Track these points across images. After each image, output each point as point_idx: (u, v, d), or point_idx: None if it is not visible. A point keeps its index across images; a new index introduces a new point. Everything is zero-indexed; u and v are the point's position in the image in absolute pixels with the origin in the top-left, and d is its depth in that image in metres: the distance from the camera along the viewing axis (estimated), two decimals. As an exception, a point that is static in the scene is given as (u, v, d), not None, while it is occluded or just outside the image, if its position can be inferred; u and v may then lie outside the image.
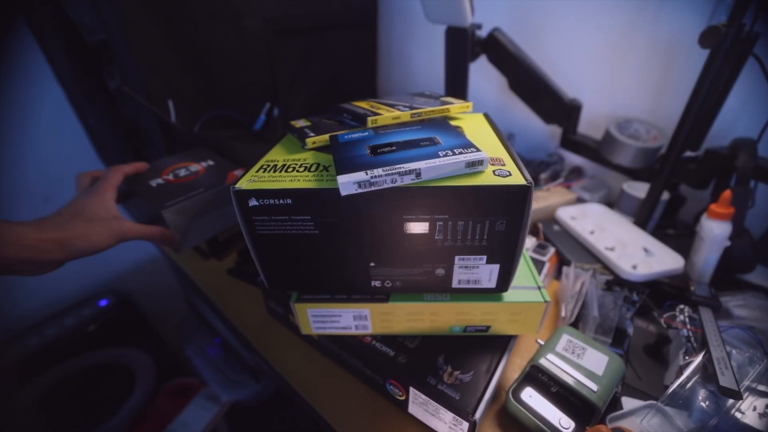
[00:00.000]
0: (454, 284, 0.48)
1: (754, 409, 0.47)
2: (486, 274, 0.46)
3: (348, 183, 0.37)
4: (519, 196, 0.39)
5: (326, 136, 0.50)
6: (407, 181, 0.38)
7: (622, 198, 0.90)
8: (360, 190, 0.38)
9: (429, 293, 0.51)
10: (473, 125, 0.56)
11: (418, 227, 0.42)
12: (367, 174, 0.37)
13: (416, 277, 0.47)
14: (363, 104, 0.59)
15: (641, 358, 0.61)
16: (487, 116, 0.60)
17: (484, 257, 0.44)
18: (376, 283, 0.48)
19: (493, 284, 0.47)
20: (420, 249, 0.44)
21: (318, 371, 0.62)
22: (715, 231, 0.66)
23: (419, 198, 0.40)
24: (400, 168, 0.38)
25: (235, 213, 0.42)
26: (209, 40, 0.86)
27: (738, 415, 0.47)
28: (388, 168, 0.38)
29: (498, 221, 0.41)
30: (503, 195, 0.39)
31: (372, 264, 0.46)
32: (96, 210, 0.51)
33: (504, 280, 0.47)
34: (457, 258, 0.45)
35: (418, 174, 0.38)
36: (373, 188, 0.38)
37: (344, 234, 0.43)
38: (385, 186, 0.38)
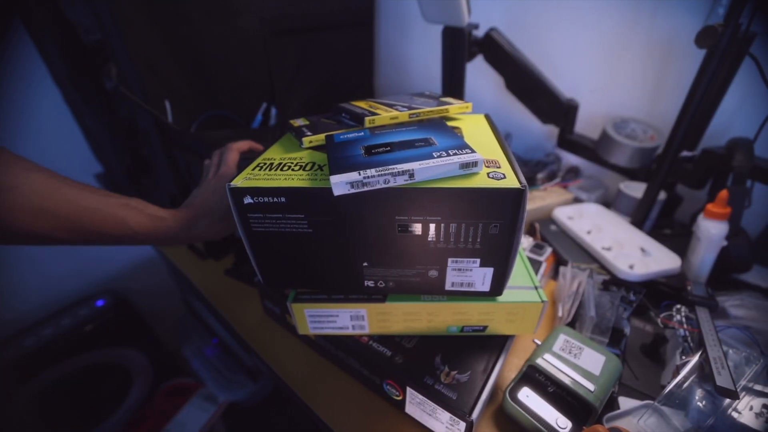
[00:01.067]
0: (447, 286, 0.48)
1: (751, 408, 0.47)
2: (479, 277, 0.46)
3: (340, 183, 0.37)
4: (513, 199, 0.39)
5: (323, 136, 0.50)
6: (400, 181, 0.38)
7: (619, 198, 0.90)
8: (352, 191, 0.38)
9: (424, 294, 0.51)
10: (473, 126, 0.56)
11: (410, 228, 0.42)
12: (359, 174, 0.37)
13: (409, 278, 0.47)
14: (362, 104, 0.59)
15: (638, 358, 0.62)
16: (487, 117, 0.60)
17: (478, 260, 0.44)
18: (369, 283, 0.48)
19: (486, 288, 0.47)
20: (413, 250, 0.44)
21: (315, 371, 0.61)
22: (711, 231, 0.66)
23: (412, 199, 0.40)
24: (393, 169, 0.37)
25: None
26: (206, 40, 0.86)
27: (735, 414, 0.47)
28: (381, 168, 0.37)
29: (491, 224, 0.41)
30: (497, 198, 0.39)
31: (365, 264, 0.46)
32: (224, 207, 0.53)
33: (498, 284, 0.47)
34: (450, 260, 0.45)
35: (411, 175, 0.38)
36: (365, 189, 0.38)
37: (337, 233, 0.43)
38: (378, 186, 0.38)
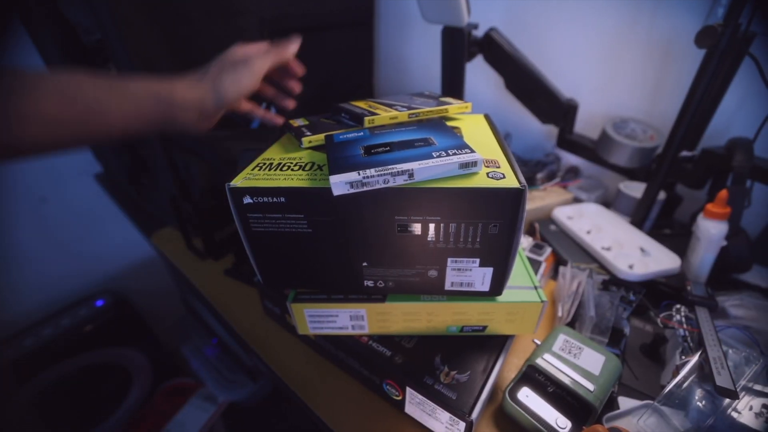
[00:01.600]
0: (447, 286, 0.48)
1: (751, 408, 0.47)
2: (479, 277, 0.46)
3: (340, 183, 0.37)
4: (512, 199, 0.39)
5: (322, 136, 0.50)
6: (400, 181, 0.38)
7: (619, 198, 0.90)
8: (352, 191, 0.38)
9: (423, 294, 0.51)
10: (472, 126, 0.56)
11: (410, 228, 0.42)
12: (359, 174, 0.37)
13: (409, 278, 0.47)
14: (361, 104, 0.59)
15: (638, 358, 0.62)
16: (487, 117, 0.60)
17: (477, 260, 0.44)
18: (369, 283, 0.48)
19: (486, 287, 0.47)
20: (412, 250, 0.44)
21: (315, 371, 0.62)
22: (711, 231, 0.66)
23: (411, 199, 0.40)
24: (393, 169, 0.37)
25: None
26: (206, 39, 0.86)
27: (734, 414, 0.47)
28: (380, 168, 0.37)
29: (491, 224, 0.41)
30: (496, 198, 0.39)
31: (364, 264, 0.46)
32: (230, 95, 0.51)
33: (497, 284, 0.47)
34: (449, 260, 0.45)
35: (411, 174, 0.38)
36: (365, 189, 0.38)
37: (337, 233, 0.43)
38: (378, 186, 0.38)
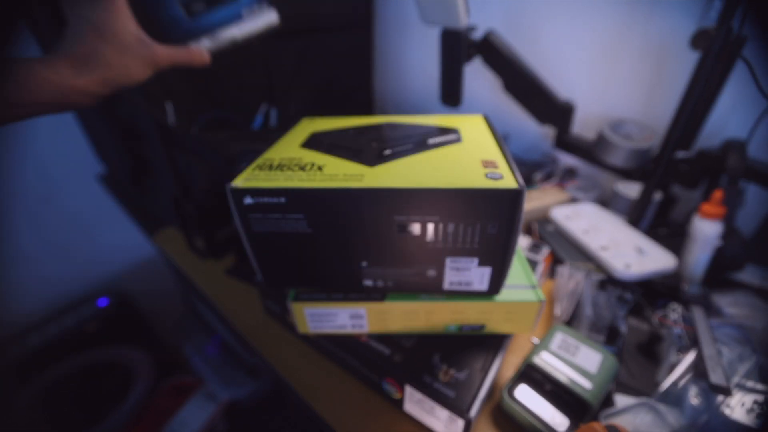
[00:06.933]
0: (446, 286, 0.48)
1: (743, 405, 0.48)
2: (478, 276, 0.47)
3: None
4: (511, 200, 0.39)
5: None
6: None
7: (616, 198, 0.91)
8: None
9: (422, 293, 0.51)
10: (471, 127, 0.57)
11: (409, 228, 0.43)
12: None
13: (408, 277, 0.48)
14: None
15: (634, 356, 0.62)
16: (486, 118, 0.60)
17: (476, 260, 0.45)
18: (368, 283, 0.49)
19: (485, 287, 0.48)
20: (411, 250, 0.45)
21: (315, 370, 0.62)
22: (706, 230, 0.67)
23: (410, 199, 0.40)
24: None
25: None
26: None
27: (727, 411, 0.48)
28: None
29: (489, 224, 0.41)
30: (495, 198, 0.39)
31: (364, 263, 0.47)
32: (121, 34, 0.42)
33: (496, 283, 0.47)
34: (448, 260, 0.45)
35: None
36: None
37: (336, 233, 0.44)
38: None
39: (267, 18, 0.58)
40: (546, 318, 0.69)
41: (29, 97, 0.38)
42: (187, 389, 1.28)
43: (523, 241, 0.78)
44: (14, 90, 0.37)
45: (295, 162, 0.47)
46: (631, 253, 0.75)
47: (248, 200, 0.42)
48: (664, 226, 0.87)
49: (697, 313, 0.60)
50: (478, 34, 0.87)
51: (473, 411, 0.46)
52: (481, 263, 0.45)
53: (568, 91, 0.92)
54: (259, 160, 0.48)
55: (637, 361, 0.61)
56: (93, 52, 0.40)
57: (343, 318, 0.53)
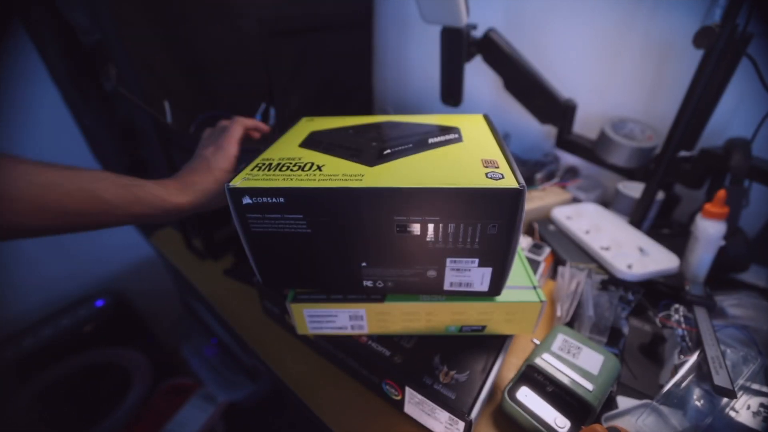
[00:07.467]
0: (446, 286, 0.48)
1: (748, 407, 0.48)
2: (478, 277, 0.46)
3: None
4: (511, 200, 0.39)
5: None
6: None
7: (618, 198, 0.90)
8: None
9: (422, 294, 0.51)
10: (472, 126, 0.56)
11: (409, 228, 0.42)
12: None
13: (408, 278, 0.47)
14: None
15: (636, 358, 0.62)
16: (486, 118, 0.60)
17: (476, 260, 0.44)
18: (368, 283, 0.48)
19: (485, 287, 0.47)
20: (411, 250, 0.44)
21: (314, 371, 0.62)
22: (709, 230, 0.66)
23: (410, 199, 0.40)
24: None
25: None
26: (205, 40, 0.86)
27: (732, 413, 0.47)
28: None
29: (490, 224, 0.41)
30: (495, 198, 0.39)
31: (363, 264, 0.46)
32: (221, 173, 0.54)
33: (496, 284, 0.47)
34: (448, 260, 0.45)
35: None
36: None
37: (336, 233, 0.44)
38: None
39: None
40: (547, 319, 0.69)
41: (141, 209, 0.48)
42: (186, 390, 1.27)
43: (524, 242, 0.77)
44: (137, 207, 0.48)
45: (294, 162, 0.46)
46: (633, 253, 0.74)
47: (247, 200, 0.42)
48: (667, 226, 0.86)
49: (700, 314, 0.59)
50: (478, 33, 0.87)
51: (474, 413, 0.45)
52: (482, 264, 0.45)
53: (570, 89, 0.91)
54: (258, 160, 0.47)
55: (639, 363, 0.61)
56: (198, 181, 0.52)
57: (343, 319, 0.52)
